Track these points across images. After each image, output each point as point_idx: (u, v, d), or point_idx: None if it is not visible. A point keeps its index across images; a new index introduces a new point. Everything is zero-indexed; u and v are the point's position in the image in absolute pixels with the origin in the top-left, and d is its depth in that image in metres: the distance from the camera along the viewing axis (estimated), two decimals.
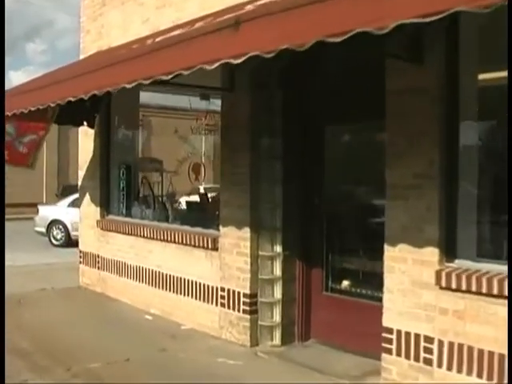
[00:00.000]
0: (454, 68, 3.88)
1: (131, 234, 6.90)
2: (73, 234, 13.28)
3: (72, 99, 4.59)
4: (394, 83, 4.07)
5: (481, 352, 3.62)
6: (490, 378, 3.58)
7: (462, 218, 3.91)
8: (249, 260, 5.24)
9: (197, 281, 5.87)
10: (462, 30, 3.82)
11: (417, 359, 3.97)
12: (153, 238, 6.51)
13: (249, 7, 4.03)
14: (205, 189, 10.17)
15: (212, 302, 5.66)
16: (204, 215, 6.67)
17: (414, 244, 3.97)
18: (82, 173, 8.06)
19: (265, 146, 5.24)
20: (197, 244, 5.82)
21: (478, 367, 3.64)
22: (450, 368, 3.79)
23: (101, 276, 7.53)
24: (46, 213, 14.67)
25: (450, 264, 3.88)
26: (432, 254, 3.89)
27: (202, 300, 5.79)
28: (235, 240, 5.37)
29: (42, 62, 62.30)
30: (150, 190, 7.93)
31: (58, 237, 14.18)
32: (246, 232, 5.26)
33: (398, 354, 4.08)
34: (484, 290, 3.58)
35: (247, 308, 5.27)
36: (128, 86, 3.85)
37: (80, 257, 8.10)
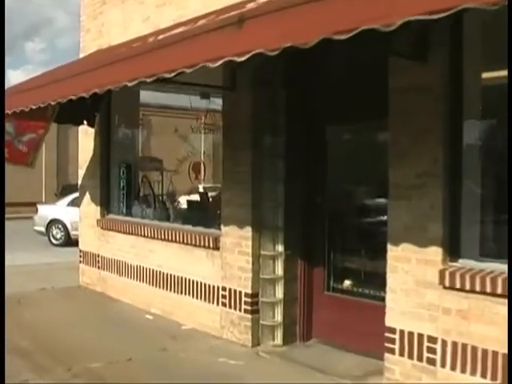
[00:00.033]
0: (458, 66, 3.86)
1: (132, 234, 6.87)
2: (72, 233, 13.27)
3: (73, 97, 4.57)
4: (397, 81, 4.05)
5: (485, 352, 3.60)
6: (494, 377, 3.56)
7: (465, 217, 3.89)
8: (250, 259, 5.22)
9: (198, 280, 5.85)
10: (466, 27, 3.80)
11: (420, 359, 3.95)
12: (154, 238, 6.49)
13: (251, 5, 4.00)
14: (204, 188, 10.17)
15: (213, 302, 5.64)
16: (205, 214, 6.64)
17: (418, 243, 3.95)
18: (82, 172, 8.03)
19: (267, 144, 5.21)
20: (198, 243, 5.79)
21: (482, 367, 3.62)
22: (453, 368, 3.77)
23: (101, 275, 7.51)
24: (46, 212, 14.65)
25: (454, 263, 3.86)
26: (436, 253, 3.87)
27: (203, 300, 5.77)
28: (237, 239, 5.34)
29: (40, 61, 62.27)
30: (151, 189, 7.91)
31: (58, 236, 14.16)
32: (248, 231, 5.23)
33: (401, 354, 4.06)
34: (488, 290, 3.56)
35: (249, 308, 5.25)
36: (130, 84, 3.83)
37: (80, 256, 8.07)
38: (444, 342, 3.82)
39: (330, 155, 5.26)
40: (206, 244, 5.68)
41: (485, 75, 3.92)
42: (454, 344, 3.76)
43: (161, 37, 4.77)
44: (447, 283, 3.77)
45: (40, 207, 15.28)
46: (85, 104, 6.25)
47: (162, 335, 5.61)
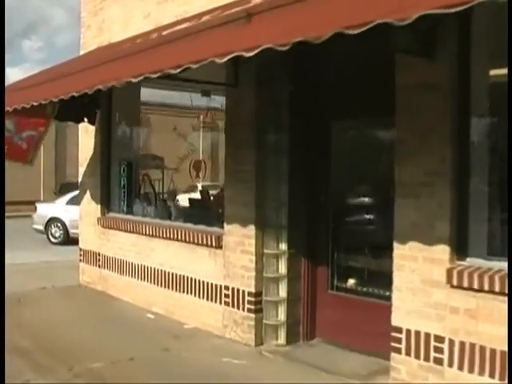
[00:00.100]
0: (465, 63, 3.83)
1: (133, 232, 6.82)
2: (71, 231, 13.21)
3: (75, 94, 4.51)
4: (404, 78, 4.01)
5: (493, 352, 3.57)
6: (502, 377, 3.53)
7: (473, 216, 3.86)
8: (253, 258, 5.18)
9: (200, 279, 5.80)
10: (475, 23, 3.76)
11: (427, 359, 3.92)
12: (155, 236, 6.44)
13: (256, 0, 3.94)
14: (203, 186, 10.14)
15: (216, 301, 5.60)
16: (207, 213, 6.60)
17: (425, 242, 3.91)
18: (82, 170, 7.98)
19: (270, 142, 5.17)
20: (200, 242, 5.75)
21: (491, 367, 3.59)
22: (461, 368, 3.74)
23: (102, 274, 7.46)
24: (45, 211, 14.58)
25: (462, 262, 3.83)
26: (443, 251, 3.84)
27: (206, 299, 5.72)
28: (240, 238, 5.30)
29: (38, 60, 62.19)
30: (151, 187, 7.87)
31: (57, 235, 14.11)
32: (251, 230, 5.19)
33: (408, 354, 4.03)
34: (497, 289, 3.53)
35: (252, 307, 5.20)
36: (135, 80, 3.77)
37: (80, 255, 8.01)
38: (451, 342, 3.78)
39: (335, 152, 5.22)
40: (209, 242, 5.63)
41: (493, 72, 3.88)
42: (462, 343, 3.73)
43: (165, 33, 4.72)
44: (455, 282, 3.73)
45: (39, 206, 15.22)
46: (85, 101, 6.20)
47: (164, 334, 5.56)
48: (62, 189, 20.38)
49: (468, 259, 3.83)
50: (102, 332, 5.65)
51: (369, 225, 5.05)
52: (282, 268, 5.23)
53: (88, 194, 7.79)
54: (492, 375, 3.58)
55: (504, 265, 3.63)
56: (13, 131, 7.35)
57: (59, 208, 14.15)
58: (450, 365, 3.79)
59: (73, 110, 6.80)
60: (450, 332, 3.80)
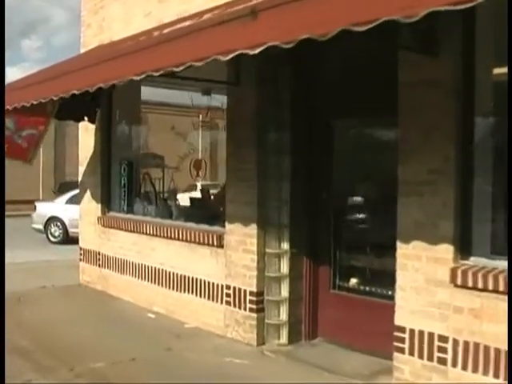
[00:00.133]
0: (469, 60, 3.81)
1: (134, 231, 6.80)
2: (71, 231, 13.18)
3: (76, 92, 4.48)
4: (407, 76, 3.98)
5: (498, 351, 3.55)
6: (507, 377, 3.50)
7: (477, 215, 3.84)
8: (255, 257, 5.15)
9: (201, 279, 5.78)
10: (479, 20, 3.73)
11: (430, 358, 3.90)
12: (156, 235, 6.42)
13: None
14: (202, 186, 10.14)
15: (217, 300, 5.57)
16: (208, 212, 6.57)
17: (428, 241, 3.89)
18: (82, 169, 7.94)
19: (272, 140, 5.15)
20: (201, 241, 5.72)
21: (495, 367, 3.57)
22: (465, 367, 3.72)
23: (102, 274, 7.43)
24: (44, 210, 14.55)
25: (465, 261, 3.81)
26: (447, 251, 3.82)
27: (207, 298, 5.70)
28: (241, 237, 5.27)
29: (37, 59, 62.12)
30: (152, 186, 7.84)
31: (56, 234, 14.08)
32: (253, 229, 5.17)
33: (411, 353, 4.01)
34: (501, 289, 3.50)
35: (254, 306, 5.18)
36: (137, 77, 3.75)
37: (80, 254, 7.99)
38: (455, 341, 3.76)
39: (337, 151, 5.19)
40: (210, 242, 5.61)
41: (497, 70, 3.85)
42: (466, 343, 3.71)
43: (167, 31, 4.69)
44: (459, 281, 3.71)
45: (38, 205, 15.17)
46: (86, 100, 6.17)
47: (166, 334, 5.53)
48: (61, 188, 20.31)
49: (472, 258, 3.81)
50: (103, 331, 5.63)
51: (371, 224, 5.03)
52: (284, 267, 5.21)
53: (88, 193, 7.76)
54: (496, 375, 3.56)
55: (507, 264, 3.61)
56: (13, 130, 7.32)
57: (59, 207, 14.12)
58: (454, 365, 3.77)
59: (73, 108, 6.78)
60: (454, 332, 3.78)
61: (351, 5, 2.65)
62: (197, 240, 5.78)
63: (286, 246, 5.20)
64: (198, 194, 8.69)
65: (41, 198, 21.88)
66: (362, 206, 5.17)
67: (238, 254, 5.32)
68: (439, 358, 3.85)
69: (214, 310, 5.59)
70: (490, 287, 3.56)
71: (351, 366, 4.62)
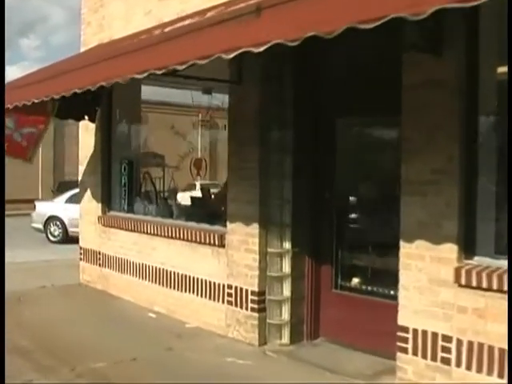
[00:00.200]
0: (473, 60, 3.79)
1: (134, 231, 6.77)
2: (70, 230, 13.16)
3: (78, 91, 4.45)
4: (411, 76, 3.96)
5: (502, 351, 3.53)
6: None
7: (480, 214, 3.82)
8: (257, 257, 5.13)
9: (203, 278, 5.76)
10: (483, 20, 3.71)
11: (434, 358, 3.88)
12: (156, 235, 6.39)
13: None
14: (201, 185, 10.13)
15: (218, 300, 5.55)
16: (209, 211, 6.55)
17: (432, 240, 3.87)
18: (82, 168, 7.92)
19: (274, 139, 5.12)
20: (203, 241, 5.70)
21: (499, 367, 3.55)
22: (469, 367, 3.71)
23: (102, 273, 7.40)
24: (44, 209, 14.52)
25: (469, 261, 3.79)
26: (450, 250, 3.80)
27: (208, 298, 5.68)
28: (243, 236, 5.25)
29: (36, 58, 62.11)
30: (152, 185, 7.82)
31: (56, 233, 14.05)
32: (255, 228, 5.14)
33: (415, 353, 3.99)
34: (506, 288, 3.48)
35: (255, 306, 5.16)
36: (139, 76, 3.72)
37: (80, 253, 7.96)
38: (459, 341, 3.75)
39: (340, 149, 5.17)
40: (212, 241, 5.59)
41: (501, 70, 3.83)
42: (470, 343, 3.69)
43: (168, 29, 4.66)
44: (463, 281, 3.70)
45: (38, 204, 15.15)
46: (86, 99, 6.15)
47: (167, 334, 5.51)
48: (61, 187, 20.26)
49: (476, 258, 3.80)
50: (104, 331, 5.61)
51: (374, 223, 5.01)
52: (286, 267, 5.19)
53: (88, 193, 7.73)
54: (501, 375, 3.54)
55: None
56: (12, 128, 7.29)
57: (58, 206, 14.10)
58: (458, 365, 3.75)
59: (73, 107, 6.75)
60: (458, 331, 3.76)
61: (357, 2, 2.62)
62: (198, 239, 5.76)
63: (288, 245, 5.17)
64: (197, 193, 8.67)
65: (40, 197, 21.88)
66: (365, 205, 5.15)
67: (239, 254, 5.30)
68: (443, 357, 3.83)
69: (215, 310, 5.57)
70: (495, 287, 3.54)
71: (354, 366, 4.60)
